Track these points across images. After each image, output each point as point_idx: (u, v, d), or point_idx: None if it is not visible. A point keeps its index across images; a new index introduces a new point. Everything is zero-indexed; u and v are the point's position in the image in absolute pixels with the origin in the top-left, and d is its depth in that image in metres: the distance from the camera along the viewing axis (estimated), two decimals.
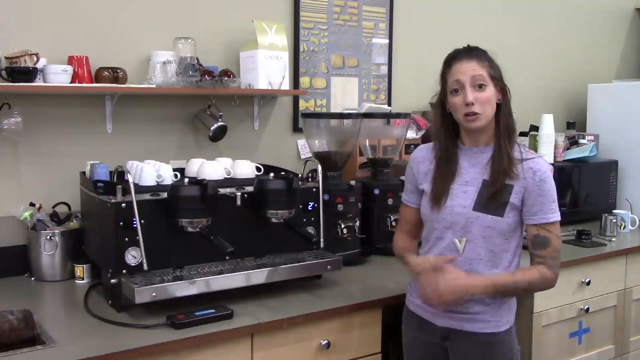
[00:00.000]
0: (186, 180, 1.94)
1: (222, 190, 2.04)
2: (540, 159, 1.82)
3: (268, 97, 2.81)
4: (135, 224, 1.85)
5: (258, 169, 2.33)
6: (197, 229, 1.91)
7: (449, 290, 1.71)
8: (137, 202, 1.85)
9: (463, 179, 1.83)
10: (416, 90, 3.25)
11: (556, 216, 1.79)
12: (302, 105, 2.96)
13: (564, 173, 3.27)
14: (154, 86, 2.37)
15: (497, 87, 1.78)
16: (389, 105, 3.23)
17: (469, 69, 1.74)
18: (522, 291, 1.79)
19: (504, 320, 1.83)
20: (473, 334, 1.82)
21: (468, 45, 1.83)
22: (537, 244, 1.78)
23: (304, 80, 2.96)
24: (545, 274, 1.78)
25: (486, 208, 1.77)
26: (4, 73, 2.13)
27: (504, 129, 1.79)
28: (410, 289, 1.96)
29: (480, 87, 1.74)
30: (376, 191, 2.59)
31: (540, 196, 1.77)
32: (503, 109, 1.80)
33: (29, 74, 2.13)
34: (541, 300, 2.54)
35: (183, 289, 1.87)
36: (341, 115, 2.75)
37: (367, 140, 2.76)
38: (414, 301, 1.92)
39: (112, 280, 1.88)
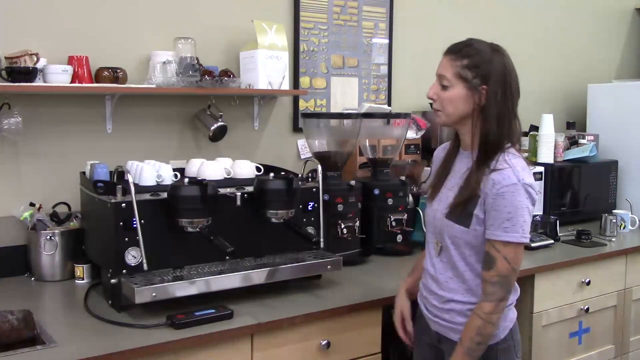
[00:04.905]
0: (186, 180, 1.94)
1: (222, 190, 2.03)
2: (510, 170, 1.62)
3: (268, 97, 2.81)
4: (135, 224, 1.85)
5: (258, 169, 2.33)
6: (197, 229, 1.91)
7: None
8: (137, 202, 1.85)
9: (451, 182, 1.78)
10: (416, 90, 3.25)
11: (510, 237, 1.60)
12: (302, 105, 2.96)
13: (564, 173, 3.27)
14: (154, 86, 2.37)
15: (471, 89, 1.65)
16: (389, 105, 3.23)
17: (441, 65, 1.71)
18: (483, 338, 1.65)
19: None
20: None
21: (469, 38, 1.73)
22: (484, 262, 1.65)
23: (304, 80, 2.96)
24: (482, 311, 1.64)
25: (455, 217, 1.70)
26: (4, 73, 2.13)
27: (481, 137, 1.67)
28: (422, 289, 1.89)
29: (444, 87, 1.69)
30: (376, 191, 2.59)
31: (494, 210, 1.62)
32: (485, 114, 1.66)
33: (29, 74, 2.13)
34: (541, 300, 2.54)
35: (183, 289, 1.86)
36: (341, 115, 2.75)
37: (367, 140, 2.76)
38: (420, 301, 1.89)
39: (112, 280, 1.89)
